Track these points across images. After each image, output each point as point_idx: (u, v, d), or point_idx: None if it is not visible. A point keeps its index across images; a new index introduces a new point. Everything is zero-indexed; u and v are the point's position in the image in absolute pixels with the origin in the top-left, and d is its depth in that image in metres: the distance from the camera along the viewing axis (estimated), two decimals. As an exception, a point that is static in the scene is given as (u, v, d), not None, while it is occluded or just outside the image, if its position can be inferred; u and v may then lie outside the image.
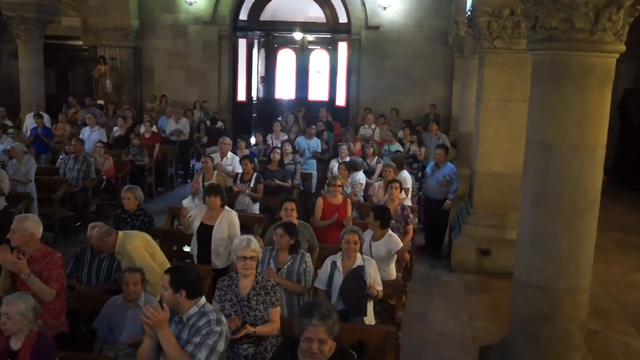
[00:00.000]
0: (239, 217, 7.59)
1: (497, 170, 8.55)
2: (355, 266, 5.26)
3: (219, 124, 14.70)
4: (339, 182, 7.42)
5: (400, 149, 11.64)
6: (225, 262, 6.40)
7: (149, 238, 5.82)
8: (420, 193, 10.04)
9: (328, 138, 12.72)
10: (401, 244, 6.28)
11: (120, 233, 5.62)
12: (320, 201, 7.38)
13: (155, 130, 12.88)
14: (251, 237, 4.70)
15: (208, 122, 14.62)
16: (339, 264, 5.32)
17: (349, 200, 7.60)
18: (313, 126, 12.25)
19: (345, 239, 5.32)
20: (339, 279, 5.26)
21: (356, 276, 5.20)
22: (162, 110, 15.02)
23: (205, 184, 8.09)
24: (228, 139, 10.14)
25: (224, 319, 3.79)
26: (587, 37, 4.44)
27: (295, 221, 6.18)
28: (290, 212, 6.21)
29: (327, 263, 5.40)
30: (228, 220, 6.42)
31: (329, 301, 4.94)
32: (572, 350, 4.89)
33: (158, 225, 7.32)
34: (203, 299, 3.80)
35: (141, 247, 5.55)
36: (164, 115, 14.42)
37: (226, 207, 6.54)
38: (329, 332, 3.32)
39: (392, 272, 6.21)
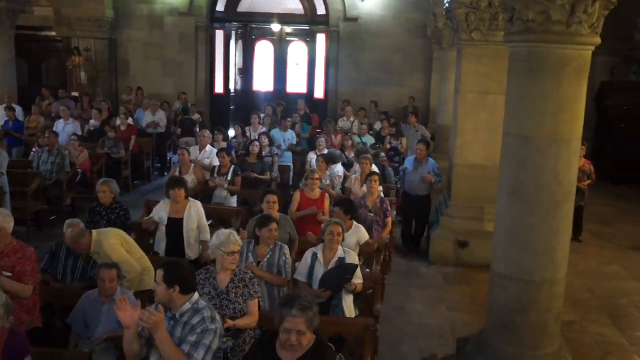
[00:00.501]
0: (217, 210, 7.58)
1: (475, 162, 8.61)
2: (336, 258, 5.29)
3: (196, 116, 14.58)
4: (316, 176, 7.42)
5: (372, 140, 11.63)
6: (197, 252, 6.43)
7: (124, 234, 5.75)
8: (399, 186, 10.06)
9: (302, 130, 12.72)
10: (367, 236, 6.42)
11: (95, 233, 5.52)
12: (297, 195, 7.36)
13: (132, 123, 12.75)
14: (232, 230, 4.70)
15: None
16: (320, 255, 5.34)
17: (326, 194, 7.61)
18: (289, 119, 12.25)
19: (328, 230, 5.35)
20: (319, 270, 5.28)
21: (342, 272, 5.21)
22: (139, 103, 14.87)
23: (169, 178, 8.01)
24: (207, 131, 10.08)
25: (217, 316, 3.75)
26: (564, 29, 4.48)
27: (277, 214, 6.20)
28: (272, 205, 6.22)
29: (308, 255, 5.42)
30: (196, 211, 6.43)
31: (310, 292, 4.95)
32: (549, 341, 4.95)
33: (134, 219, 7.22)
34: (196, 295, 3.76)
35: (117, 245, 5.47)
36: (140, 107, 14.29)
37: (190, 198, 6.56)
38: (309, 324, 3.31)
39: (356, 260, 6.26)
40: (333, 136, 11.66)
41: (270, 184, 9.52)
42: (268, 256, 5.32)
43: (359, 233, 6.30)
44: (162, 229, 6.44)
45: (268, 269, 5.28)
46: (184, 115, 14.34)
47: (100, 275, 4.81)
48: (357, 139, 11.49)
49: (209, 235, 6.37)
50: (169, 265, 3.74)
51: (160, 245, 6.46)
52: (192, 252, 6.40)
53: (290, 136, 11.60)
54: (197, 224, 6.43)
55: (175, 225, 6.38)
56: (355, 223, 6.34)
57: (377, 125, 13.25)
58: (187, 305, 3.68)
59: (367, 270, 6.31)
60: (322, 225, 5.71)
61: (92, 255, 5.45)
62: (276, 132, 11.48)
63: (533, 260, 4.79)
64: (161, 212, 6.50)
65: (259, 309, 4.67)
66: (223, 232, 4.66)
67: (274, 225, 5.31)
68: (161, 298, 3.65)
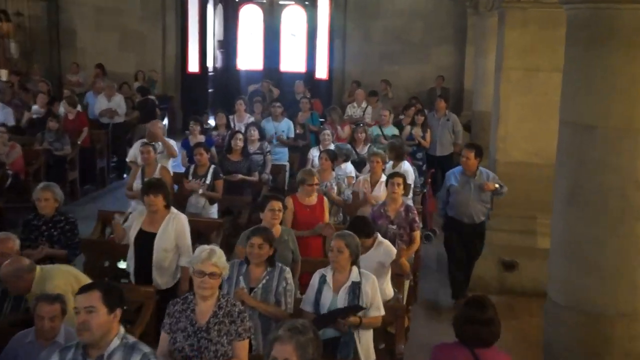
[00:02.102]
0: (192, 222, 7.52)
1: (523, 159, 8.56)
2: (349, 283, 5.27)
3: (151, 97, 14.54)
4: (315, 180, 7.41)
5: (393, 133, 11.54)
6: (171, 280, 6.37)
7: (75, 273, 5.64)
8: (423, 190, 9.98)
9: (312, 121, 12.54)
10: (394, 252, 6.38)
11: (37, 269, 5.40)
12: (289, 202, 7.29)
13: (81, 110, 12.68)
14: (216, 247, 4.69)
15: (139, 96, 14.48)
16: (328, 278, 5.32)
17: (325, 198, 7.59)
18: (278, 103, 12.00)
19: (331, 245, 5.34)
20: (327, 297, 5.26)
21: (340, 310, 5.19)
22: (99, 85, 14.74)
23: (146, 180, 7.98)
24: (159, 123, 9.99)
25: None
26: (641, -16, 4.45)
27: (278, 228, 6.21)
28: (277, 214, 6.22)
29: (315, 277, 5.41)
30: (175, 226, 6.36)
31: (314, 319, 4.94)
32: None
33: (84, 235, 7.21)
34: (122, 328, 3.80)
35: (63, 288, 5.33)
36: (91, 89, 14.24)
37: (172, 209, 6.49)
38: (299, 352, 3.25)
39: (389, 289, 6.24)
40: (339, 127, 11.57)
41: (259, 188, 9.47)
42: (264, 280, 5.30)
43: (382, 253, 6.24)
44: (132, 243, 6.40)
45: (263, 297, 5.25)
46: (142, 95, 14.25)
47: (37, 311, 4.70)
48: (374, 131, 11.39)
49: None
50: (106, 284, 3.80)
51: (130, 265, 6.43)
52: (162, 279, 6.30)
53: (285, 126, 11.48)
54: (174, 243, 6.34)
55: (145, 241, 6.32)
56: (378, 239, 6.33)
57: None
58: (116, 342, 3.70)
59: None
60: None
61: (27, 297, 5.35)
62: (267, 123, 11.39)
63: (602, 286, 4.75)
64: (134, 221, 6.46)
65: (250, 350, 4.65)
66: (200, 247, 4.67)
67: (257, 240, 5.28)
68: (97, 328, 3.63)
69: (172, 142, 9.79)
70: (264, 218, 6.25)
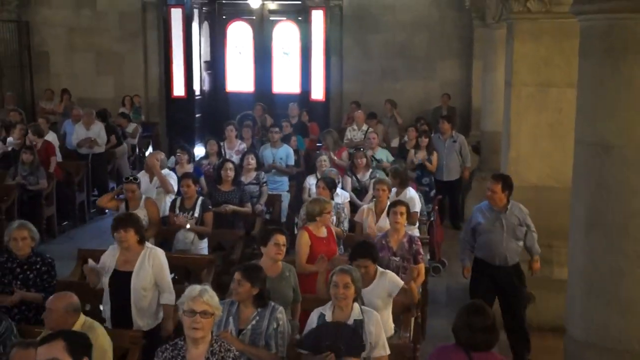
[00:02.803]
0: (180, 259, 7.57)
1: (537, 182, 8.55)
2: (350, 321, 5.28)
3: (131, 125, 14.61)
4: (331, 209, 7.47)
5: (385, 156, 11.57)
6: (153, 320, 6.39)
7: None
8: (430, 218, 9.98)
9: (298, 145, 12.59)
10: (401, 282, 6.41)
11: (82, 317, 5.44)
12: (305, 236, 7.25)
13: (50, 139, 12.61)
14: (207, 287, 4.71)
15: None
16: (328, 317, 5.34)
17: (332, 229, 7.64)
18: (276, 129, 12.02)
19: (333, 281, 5.35)
20: (328, 336, 5.27)
21: (350, 334, 5.19)
22: (67, 112, 14.80)
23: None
24: (159, 154, 10.04)
25: None
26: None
27: (279, 264, 6.24)
28: (282, 249, 6.25)
29: (314, 317, 5.44)
30: (152, 262, 6.38)
31: None
32: None
33: (62, 276, 7.20)
34: None
35: (103, 348, 5.33)
36: (68, 118, 14.28)
37: (147, 244, 6.53)
38: None
39: (389, 324, 6.28)
40: (331, 153, 11.51)
41: (253, 220, 9.47)
42: (254, 321, 5.30)
43: (387, 283, 6.27)
44: (106, 285, 6.41)
45: (252, 340, 5.25)
46: (102, 120, 14.19)
47: (11, 358, 4.66)
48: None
49: (173, 298, 6.32)
50: (70, 332, 3.85)
51: (106, 309, 6.43)
52: (143, 320, 6.31)
53: (284, 153, 11.47)
54: (153, 281, 6.36)
55: (121, 281, 6.33)
56: (379, 270, 6.35)
57: (395, 142, 13.21)
58: None
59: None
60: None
61: None
62: (264, 150, 11.42)
63: (626, 320, 4.74)
64: (108, 261, 6.47)
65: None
66: (191, 286, 4.70)
67: (236, 275, 5.32)
68: None
69: (173, 176, 9.76)
70: (266, 253, 6.26)
